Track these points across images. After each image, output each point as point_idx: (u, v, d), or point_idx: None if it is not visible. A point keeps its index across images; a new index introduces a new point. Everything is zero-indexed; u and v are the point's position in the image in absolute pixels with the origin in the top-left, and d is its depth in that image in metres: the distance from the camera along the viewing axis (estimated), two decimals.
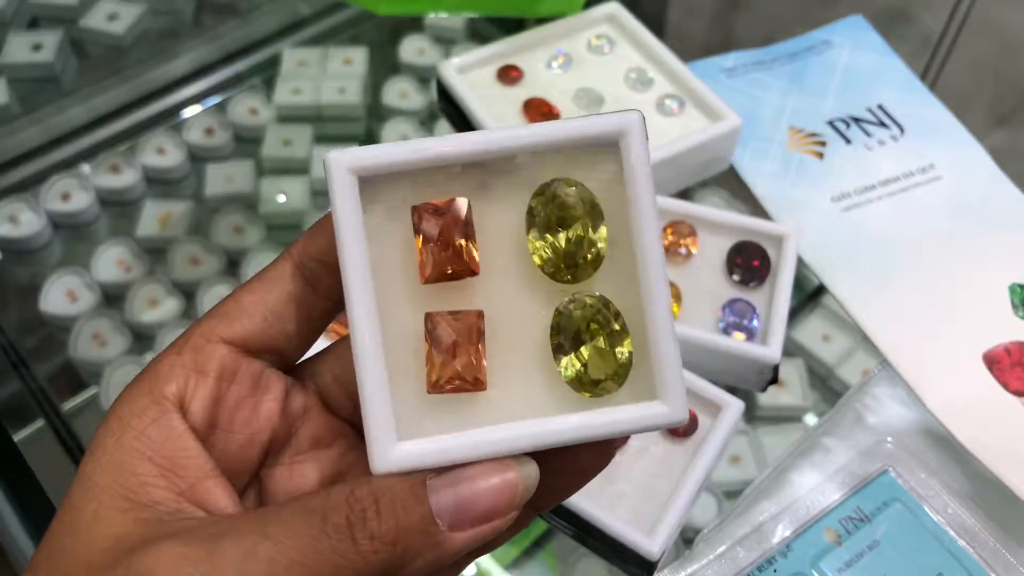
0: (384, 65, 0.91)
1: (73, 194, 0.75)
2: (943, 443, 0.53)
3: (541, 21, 0.67)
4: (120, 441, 0.29)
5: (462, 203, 0.30)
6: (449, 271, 0.30)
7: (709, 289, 0.56)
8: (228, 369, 0.31)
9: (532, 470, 0.29)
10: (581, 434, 0.29)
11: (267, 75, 0.88)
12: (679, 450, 0.49)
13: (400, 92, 0.88)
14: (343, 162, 0.29)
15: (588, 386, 0.30)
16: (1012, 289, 0.60)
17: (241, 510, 0.29)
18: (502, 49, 0.64)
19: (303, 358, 0.34)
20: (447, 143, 0.30)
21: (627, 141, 0.29)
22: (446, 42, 0.92)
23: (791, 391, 0.72)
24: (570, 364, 0.30)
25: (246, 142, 0.82)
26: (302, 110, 0.84)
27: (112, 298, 0.70)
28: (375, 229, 0.30)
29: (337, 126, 0.86)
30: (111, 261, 0.73)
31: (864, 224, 0.63)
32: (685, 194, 0.67)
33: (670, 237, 0.57)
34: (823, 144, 0.67)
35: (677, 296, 0.54)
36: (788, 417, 0.72)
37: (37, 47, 0.84)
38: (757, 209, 0.65)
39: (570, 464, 0.31)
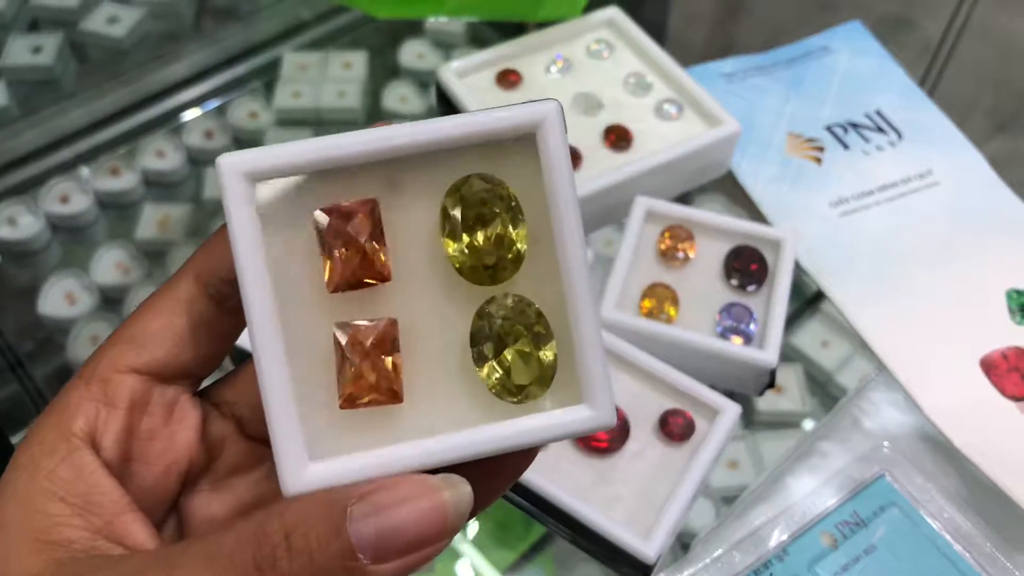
0: (384, 69, 0.91)
1: (72, 196, 0.75)
2: (940, 448, 0.53)
3: (541, 25, 0.67)
4: (31, 481, 0.27)
5: (370, 204, 0.28)
6: (358, 278, 0.28)
7: (707, 293, 0.56)
8: (139, 400, 0.29)
9: (465, 492, 0.26)
10: (505, 444, 0.27)
11: (267, 79, 0.88)
12: (676, 454, 0.49)
13: (400, 96, 0.88)
14: (236, 165, 0.27)
15: (512, 393, 0.28)
16: (1009, 295, 0.60)
17: (159, 544, 0.28)
18: (501, 53, 0.65)
19: (218, 379, 0.32)
20: (351, 140, 0.28)
21: (544, 132, 0.27)
22: (446, 46, 0.92)
23: (789, 396, 0.72)
24: (492, 371, 0.28)
25: (246, 145, 0.81)
26: (302, 114, 0.84)
27: (111, 301, 0.70)
28: (275, 236, 0.27)
29: (337, 130, 0.86)
30: (110, 264, 0.72)
31: (862, 229, 0.63)
32: (684, 198, 0.67)
33: (668, 241, 0.57)
34: (821, 149, 0.67)
35: (675, 300, 0.55)
36: (786, 423, 0.72)
37: (37, 50, 0.84)
38: (755, 214, 0.65)
39: (491, 470, 0.28)
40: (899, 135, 0.68)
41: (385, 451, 0.27)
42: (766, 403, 0.71)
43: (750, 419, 0.70)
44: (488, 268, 0.28)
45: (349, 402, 0.27)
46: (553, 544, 0.57)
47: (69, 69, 0.86)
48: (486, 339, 0.28)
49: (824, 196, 0.65)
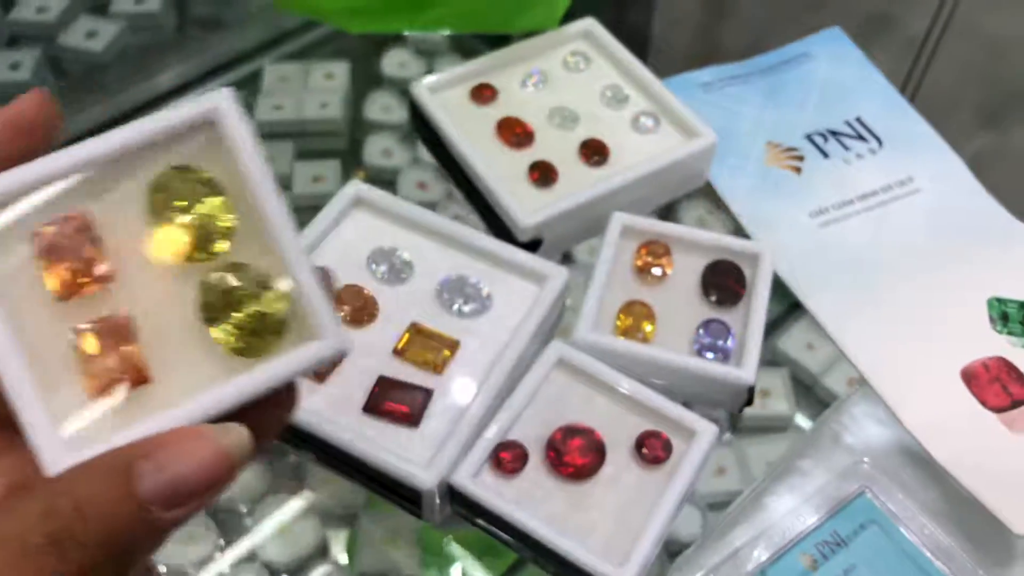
0: (366, 79, 0.91)
1: None
2: (921, 462, 0.53)
3: (516, 38, 0.67)
4: None
5: (77, 217, 0.30)
6: (80, 284, 0.30)
7: (684, 310, 0.55)
8: None
9: (243, 434, 0.28)
10: (248, 392, 0.30)
11: (248, 91, 0.88)
12: (652, 477, 0.48)
13: (383, 106, 0.87)
14: None
15: (248, 350, 0.31)
16: (990, 303, 0.60)
17: None
18: (476, 68, 0.64)
19: None
20: (48, 164, 0.31)
21: (221, 119, 0.31)
22: (428, 55, 0.91)
23: (776, 400, 0.72)
24: (227, 335, 0.31)
25: None
26: (284, 126, 0.84)
27: None
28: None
29: (319, 141, 0.86)
30: None
31: (842, 240, 0.63)
32: (669, 207, 0.67)
33: (645, 258, 0.56)
34: (801, 159, 0.67)
35: (651, 317, 0.54)
36: (773, 427, 0.72)
37: (15, 66, 0.83)
38: (735, 226, 0.64)
39: (259, 412, 0.30)
40: (880, 142, 0.68)
41: (140, 425, 0.29)
42: (753, 408, 0.70)
43: (737, 424, 0.70)
44: (202, 246, 0.31)
45: (97, 392, 0.30)
46: (525, 572, 0.57)
47: (48, 85, 0.85)
48: (215, 306, 0.31)
49: (804, 206, 0.64)
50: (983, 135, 0.98)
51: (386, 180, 0.84)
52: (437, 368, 0.51)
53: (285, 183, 0.78)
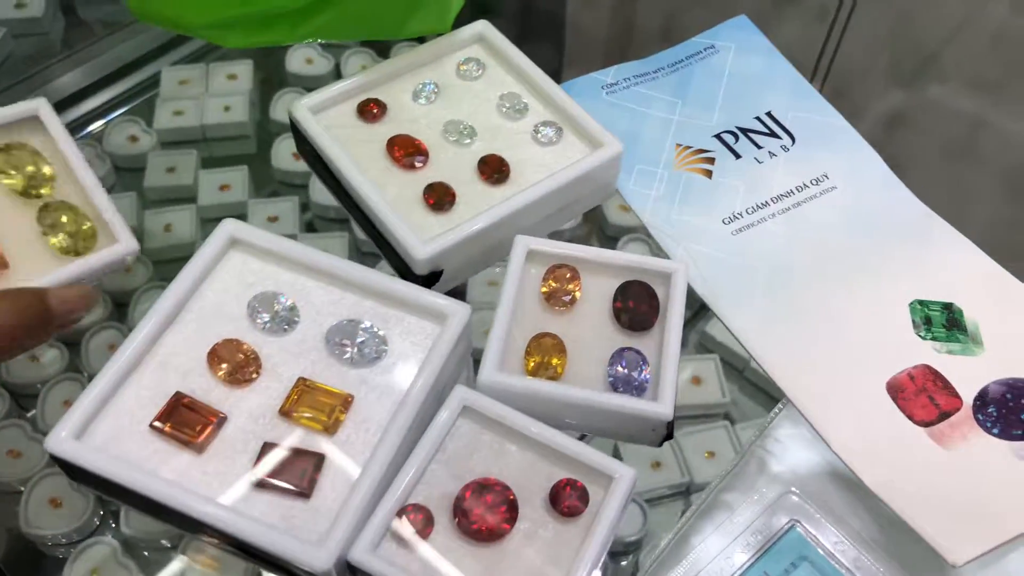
0: (271, 78, 0.86)
1: None
2: (851, 486, 0.51)
3: (407, 45, 0.62)
4: None
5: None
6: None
7: (596, 339, 0.52)
8: None
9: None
10: (75, 276, 0.49)
11: (146, 98, 0.84)
12: (570, 529, 0.45)
13: (287, 108, 0.83)
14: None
15: (72, 251, 0.50)
16: (913, 307, 0.57)
17: None
18: (362, 82, 0.60)
19: None
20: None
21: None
22: (336, 49, 0.87)
23: (709, 389, 0.70)
24: (57, 240, 0.50)
25: (127, 172, 0.77)
26: (186, 133, 0.79)
27: None
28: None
29: (225, 147, 0.81)
30: None
31: (757, 247, 0.60)
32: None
33: (552, 284, 0.53)
34: (711, 161, 0.64)
35: (562, 350, 0.51)
36: (707, 415, 0.70)
37: None
38: (645, 238, 0.61)
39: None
40: (792, 138, 0.65)
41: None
42: (686, 398, 0.68)
43: (673, 424, 0.67)
44: (33, 189, 0.51)
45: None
46: None
47: None
48: (50, 224, 0.50)
49: (716, 212, 0.61)
50: (899, 96, 0.97)
51: (298, 184, 0.79)
52: (329, 429, 0.46)
53: (190, 194, 0.74)
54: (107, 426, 0.45)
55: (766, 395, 0.71)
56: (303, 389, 0.47)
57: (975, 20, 0.93)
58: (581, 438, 0.48)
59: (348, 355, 0.49)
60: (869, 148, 0.65)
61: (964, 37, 0.94)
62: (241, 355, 0.48)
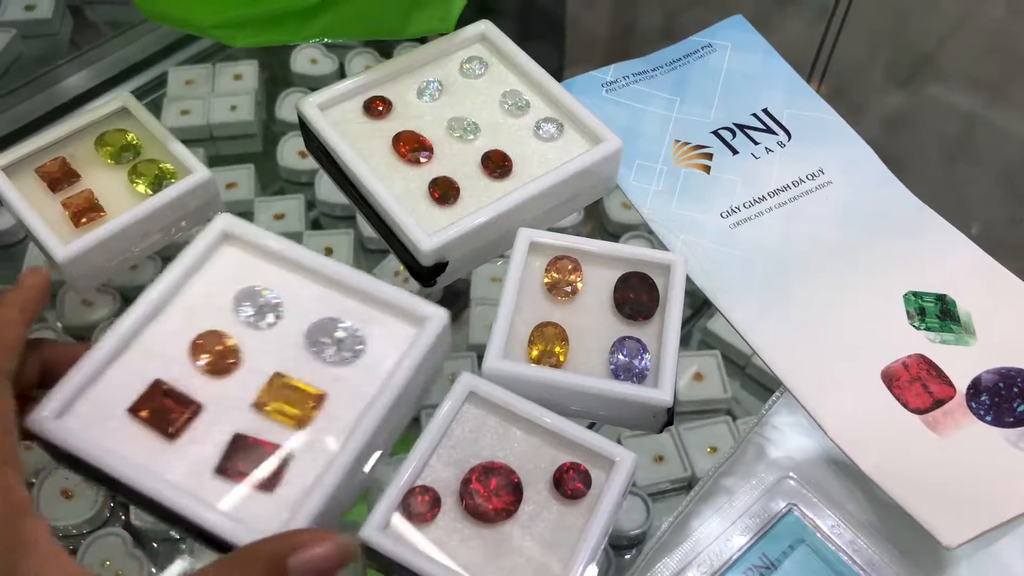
0: (277, 78, 0.88)
1: None
2: (847, 472, 0.52)
3: (412, 45, 0.64)
4: None
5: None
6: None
7: (597, 328, 0.53)
8: None
9: (350, 543, 0.40)
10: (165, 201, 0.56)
11: (153, 97, 0.85)
12: (573, 511, 0.46)
13: (295, 105, 0.84)
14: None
15: (157, 188, 0.57)
16: (907, 298, 0.58)
17: None
18: (368, 80, 0.61)
19: None
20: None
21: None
22: (340, 49, 0.88)
23: (710, 384, 0.71)
24: (144, 184, 0.57)
25: None
26: (192, 132, 0.81)
27: None
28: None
29: (231, 145, 0.83)
30: None
31: (755, 240, 0.61)
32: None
33: (554, 275, 0.54)
34: (709, 157, 0.65)
35: (564, 339, 0.52)
36: (709, 410, 0.71)
37: None
38: (645, 231, 0.62)
39: None
40: (788, 134, 0.66)
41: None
42: (687, 393, 0.69)
43: (673, 410, 0.69)
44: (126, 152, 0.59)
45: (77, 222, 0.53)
46: None
47: None
48: (139, 173, 0.58)
49: (714, 206, 0.63)
50: (896, 96, 0.98)
51: (304, 183, 0.81)
52: (300, 424, 0.46)
53: None
54: (87, 408, 0.46)
55: (767, 391, 0.73)
56: (277, 384, 0.48)
57: (972, 20, 0.94)
58: (590, 427, 0.50)
59: (326, 353, 0.49)
60: (864, 144, 0.66)
61: (961, 37, 0.95)
62: (222, 347, 0.49)
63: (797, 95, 0.69)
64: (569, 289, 0.54)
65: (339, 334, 0.49)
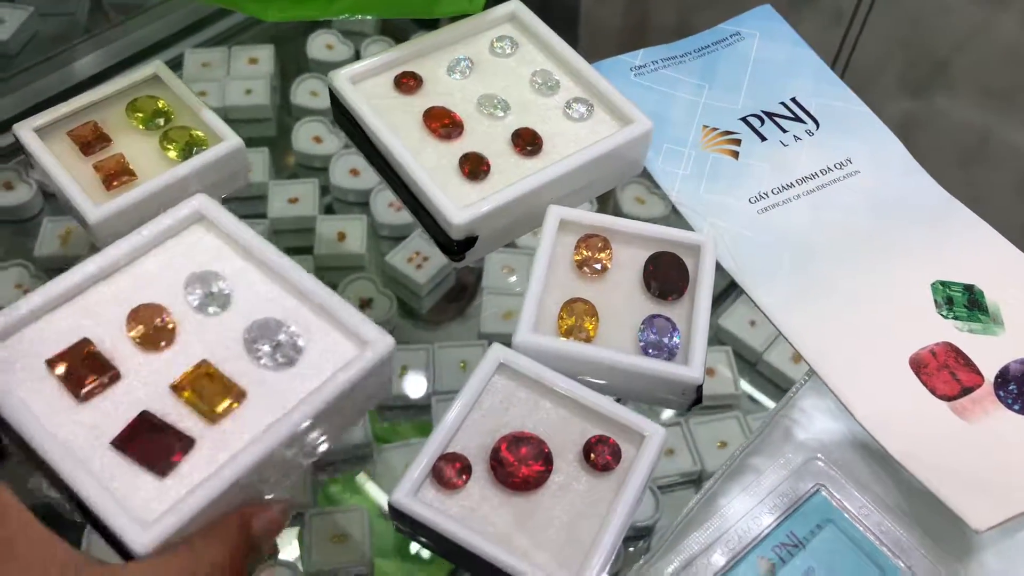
0: (292, 63, 0.88)
1: None
2: (875, 456, 0.52)
3: (444, 22, 0.64)
4: None
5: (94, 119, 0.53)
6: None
7: (627, 305, 0.53)
8: None
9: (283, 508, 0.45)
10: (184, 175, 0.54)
11: None
12: (602, 484, 0.46)
13: (310, 90, 0.84)
14: None
15: (183, 155, 0.56)
16: (935, 288, 0.58)
17: None
18: (399, 55, 0.61)
19: None
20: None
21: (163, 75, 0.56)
22: (356, 36, 0.88)
23: (721, 380, 0.71)
24: (174, 149, 0.57)
25: None
26: None
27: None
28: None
29: (246, 129, 0.82)
30: (7, 283, 0.70)
31: (783, 226, 0.61)
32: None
33: (584, 252, 0.54)
34: (738, 143, 0.65)
35: (593, 315, 0.52)
36: (719, 406, 0.71)
37: None
38: (673, 214, 0.62)
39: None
40: (816, 123, 0.66)
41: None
42: None
43: (702, 389, 0.69)
44: (156, 119, 0.58)
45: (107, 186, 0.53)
46: None
47: None
48: (170, 139, 0.56)
49: (742, 192, 0.62)
50: (910, 103, 0.98)
51: (317, 167, 0.80)
52: (211, 417, 0.44)
53: None
54: (5, 350, 0.45)
55: (777, 388, 0.73)
56: (201, 371, 0.46)
57: (987, 31, 0.94)
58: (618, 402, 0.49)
59: (261, 352, 0.47)
60: (891, 135, 0.66)
61: (976, 47, 0.95)
62: (159, 321, 0.47)
63: (825, 85, 0.69)
64: (599, 267, 0.54)
65: (280, 337, 0.47)
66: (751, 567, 0.46)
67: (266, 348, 0.47)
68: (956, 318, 0.57)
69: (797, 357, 0.61)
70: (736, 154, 0.64)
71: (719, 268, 0.56)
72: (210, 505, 0.41)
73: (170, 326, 0.47)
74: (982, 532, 0.48)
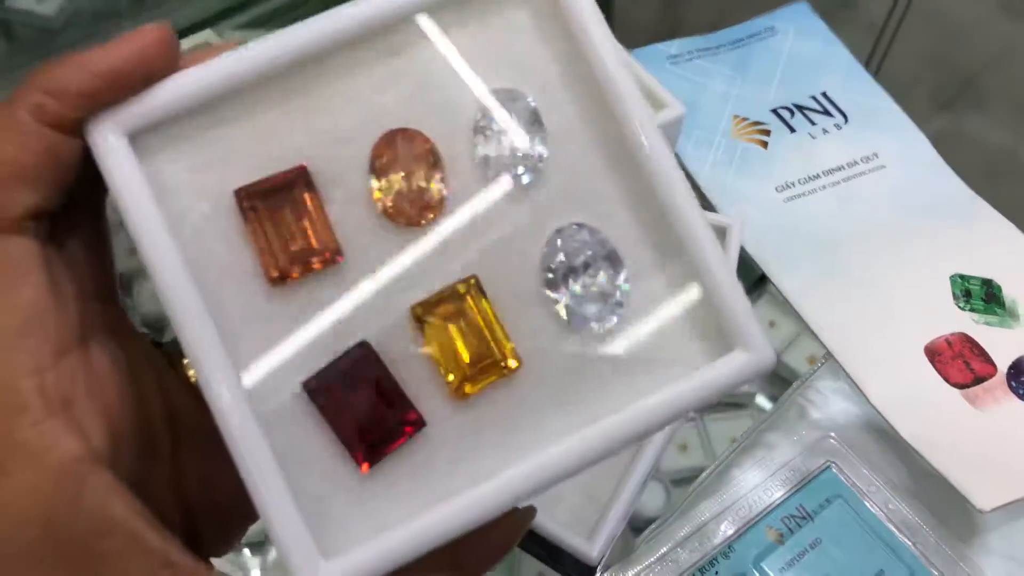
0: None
1: None
2: (885, 437, 0.53)
3: None
4: None
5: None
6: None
7: None
8: None
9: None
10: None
11: None
12: None
13: None
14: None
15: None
16: (953, 280, 0.60)
17: None
18: None
19: None
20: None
21: None
22: None
23: None
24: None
25: None
26: None
27: None
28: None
29: None
30: None
31: (808, 215, 0.62)
32: None
33: None
34: (767, 133, 0.66)
35: None
36: (735, 404, 0.72)
37: None
38: (701, 199, 0.64)
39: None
40: (845, 118, 0.68)
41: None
42: None
43: None
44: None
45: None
46: None
47: None
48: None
49: (770, 181, 0.64)
50: (942, 117, 0.99)
51: None
52: (457, 389, 0.27)
53: None
54: (173, 158, 0.27)
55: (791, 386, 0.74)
56: (465, 301, 0.27)
57: (1020, 48, 0.95)
58: None
59: (566, 293, 0.28)
60: (919, 133, 0.68)
61: (1007, 64, 0.96)
62: (423, 179, 0.28)
63: (856, 81, 0.70)
64: None
65: (601, 279, 0.28)
66: (760, 536, 0.48)
67: (579, 287, 0.27)
68: (973, 310, 0.58)
69: (813, 359, 0.62)
70: (765, 144, 0.66)
71: (739, 268, 0.57)
72: (428, 549, 0.26)
73: (436, 195, 0.28)
74: (986, 512, 0.49)
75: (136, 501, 0.25)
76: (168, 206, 0.26)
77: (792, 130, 0.67)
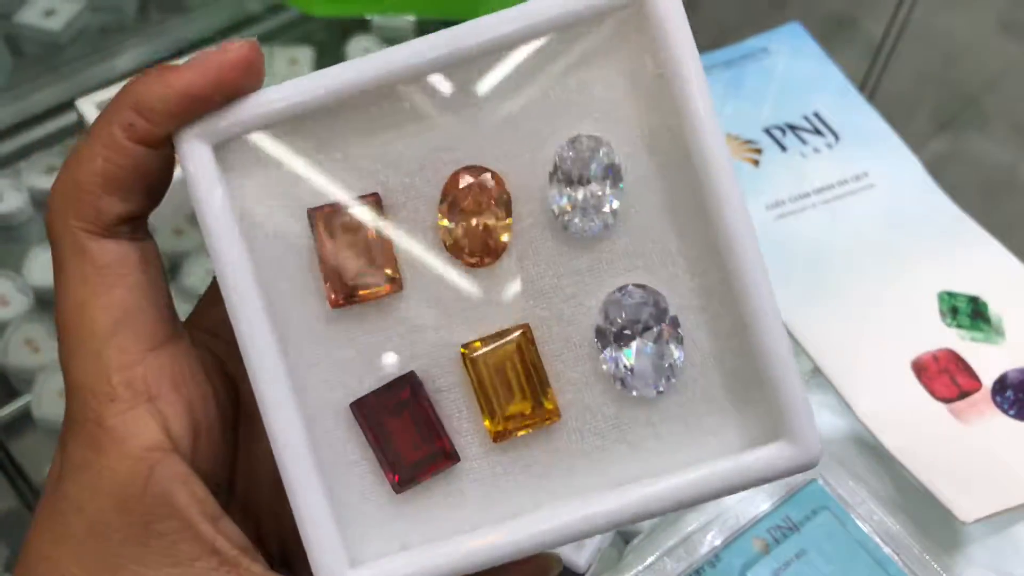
0: (330, 66, 0.90)
1: (5, 195, 0.74)
2: (872, 451, 0.54)
3: None
4: None
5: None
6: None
7: None
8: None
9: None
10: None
11: None
12: None
13: None
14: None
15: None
16: (941, 297, 0.61)
17: None
18: None
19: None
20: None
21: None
22: (393, 42, 0.91)
23: None
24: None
25: None
26: None
27: (46, 303, 0.69)
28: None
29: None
30: (46, 264, 0.71)
31: (798, 232, 0.64)
32: None
33: None
34: (759, 152, 0.68)
35: None
36: None
37: None
38: None
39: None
40: (836, 137, 0.69)
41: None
42: None
43: None
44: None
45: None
46: None
47: (3, 64, 0.84)
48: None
49: (761, 198, 0.65)
50: (940, 137, 1.00)
51: None
52: (493, 432, 0.28)
53: None
54: (258, 175, 0.29)
55: None
56: (513, 347, 0.28)
57: (1019, 68, 0.96)
58: None
59: (609, 354, 0.28)
60: (909, 153, 0.69)
61: (1007, 84, 0.97)
62: (494, 219, 0.28)
63: (848, 101, 0.71)
64: None
65: (656, 345, 0.28)
66: (746, 546, 0.49)
67: (628, 351, 0.28)
68: (959, 327, 0.60)
69: (801, 374, 0.63)
70: (757, 162, 0.67)
71: None
72: None
73: (503, 237, 0.28)
74: (969, 524, 0.50)
75: (201, 490, 0.28)
76: (244, 218, 0.28)
77: (784, 149, 0.68)
